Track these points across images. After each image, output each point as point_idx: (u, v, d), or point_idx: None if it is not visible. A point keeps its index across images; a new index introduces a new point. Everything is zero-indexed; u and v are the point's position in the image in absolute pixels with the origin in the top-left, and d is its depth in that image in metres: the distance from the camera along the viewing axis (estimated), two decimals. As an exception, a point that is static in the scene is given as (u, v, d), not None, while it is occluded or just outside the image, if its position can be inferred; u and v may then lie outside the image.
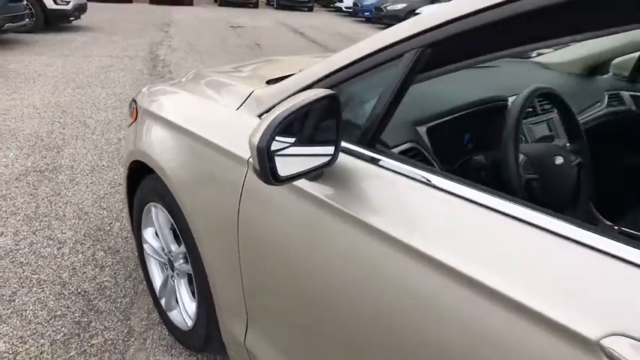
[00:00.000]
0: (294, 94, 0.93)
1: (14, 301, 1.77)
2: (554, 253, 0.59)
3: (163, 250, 1.59)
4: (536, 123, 1.33)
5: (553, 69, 1.88)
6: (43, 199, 2.53)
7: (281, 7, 17.39)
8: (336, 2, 18.22)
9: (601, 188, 1.54)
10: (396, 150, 0.98)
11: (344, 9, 17.56)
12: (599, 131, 1.65)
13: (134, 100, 1.66)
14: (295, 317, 0.99)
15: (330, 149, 0.78)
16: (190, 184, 1.23)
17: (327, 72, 0.93)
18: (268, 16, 14.88)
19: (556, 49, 1.94)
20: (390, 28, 0.84)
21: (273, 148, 0.68)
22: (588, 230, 0.58)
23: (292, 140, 0.72)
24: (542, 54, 1.98)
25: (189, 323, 1.50)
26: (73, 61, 6.06)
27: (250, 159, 0.75)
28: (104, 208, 2.49)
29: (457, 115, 1.15)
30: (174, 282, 1.58)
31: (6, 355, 1.52)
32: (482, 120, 1.19)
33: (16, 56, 6.03)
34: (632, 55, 1.84)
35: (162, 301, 1.65)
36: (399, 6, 13.52)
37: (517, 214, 0.63)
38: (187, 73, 1.71)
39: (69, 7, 8.16)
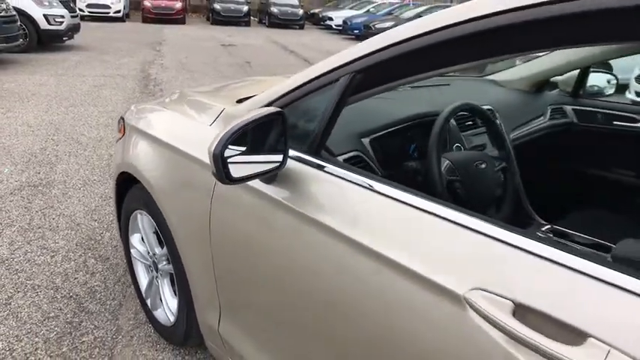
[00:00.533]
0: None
1: (10, 304, 1.90)
2: (453, 238, 0.75)
3: (148, 253, 1.74)
4: (476, 134, 1.52)
5: (505, 86, 2.08)
6: (37, 211, 2.67)
7: (272, 25, 17.76)
8: (326, 20, 18.64)
9: (541, 192, 1.73)
10: (342, 157, 1.15)
11: (334, 27, 17.96)
12: (541, 141, 1.84)
13: (122, 118, 1.83)
14: (259, 305, 1.15)
15: (280, 157, 0.95)
16: (170, 192, 1.39)
17: (283, 92, 1.11)
18: (260, 34, 15.20)
19: (508, 68, 2.14)
20: (331, 56, 1.02)
21: (226, 154, 0.85)
22: (473, 217, 0.74)
23: (244, 149, 0.89)
24: (495, 72, 2.18)
25: (172, 319, 1.65)
26: (66, 80, 6.24)
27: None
28: (95, 220, 2.64)
29: (398, 127, 1.33)
30: (158, 282, 1.73)
31: (3, 351, 1.66)
32: (425, 131, 1.38)
33: (10, 76, 6.20)
34: (575, 72, 2.05)
35: (148, 301, 1.80)
36: (387, 24, 13.90)
37: (436, 210, 0.77)
38: (172, 92, 1.88)
39: (62, 27, 8.36)
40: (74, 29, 8.99)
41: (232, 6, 17.39)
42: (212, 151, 0.84)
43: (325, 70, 1.01)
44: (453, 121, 1.46)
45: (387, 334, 0.79)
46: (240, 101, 1.34)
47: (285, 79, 1.14)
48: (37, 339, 1.73)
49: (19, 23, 7.28)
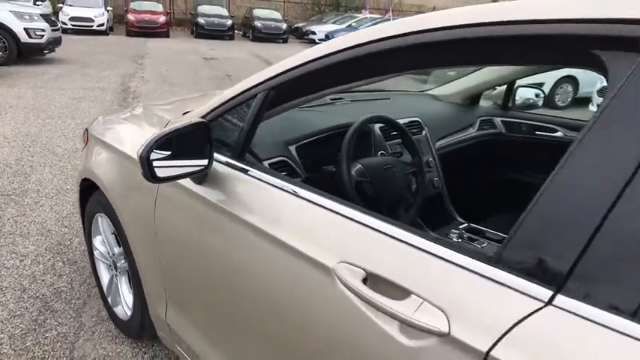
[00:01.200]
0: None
1: (-22, 304, 2.02)
2: (344, 229, 0.91)
3: (109, 253, 1.88)
4: (400, 143, 1.70)
5: (442, 100, 2.28)
6: (8, 219, 2.79)
7: (256, 39, 18.01)
8: (309, 34, 18.97)
9: (468, 195, 1.92)
10: (268, 162, 1.32)
11: (317, 41, 18.30)
12: (470, 150, 2.03)
13: (87, 129, 1.98)
14: (197, 297, 1.31)
15: (205, 161, 1.12)
16: (123, 195, 1.55)
17: (215, 105, 1.28)
18: (243, 47, 15.42)
19: (444, 83, 2.35)
20: (253, 75, 1.20)
21: (152, 157, 1.02)
22: (361, 212, 0.90)
23: (169, 153, 1.05)
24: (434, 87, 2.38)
25: (129, 313, 1.79)
26: (45, 93, 6.34)
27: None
28: (66, 226, 2.76)
29: (321, 136, 1.51)
30: (117, 280, 1.87)
31: (-31, 346, 1.78)
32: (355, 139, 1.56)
33: (-11, 89, 6.28)
34: (504, 86, 2.26)
35: (109, 299, 1.94)
36: (367, 38, 14.21)
37: (341, 211, 0.91)
38: (135, 106, 2.04)
39: (43, 40, 8.46)
40: (55, 42, 9.08)
41: (216, 20, 17.62)
42: (139, 154, 1.01)
43: (247, 87, 1.18)
44: (378, 131, 1.65)
45: (303, 318, 0.94)
46: (185, 113, 1.51)
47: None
48: (2, 335, 1.85)
49: (-1, 37, 7.37)
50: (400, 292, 0.76)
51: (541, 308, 0.63)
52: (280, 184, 1.06)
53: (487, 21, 0.78)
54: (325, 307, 0.87)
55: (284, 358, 1.01)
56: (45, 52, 8.88)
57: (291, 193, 1.03)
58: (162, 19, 16.71)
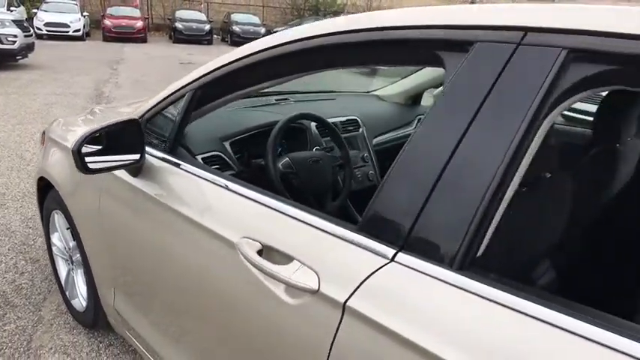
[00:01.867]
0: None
1: (-60, 301, 2.09)
2: (248, 210, 1.03)
3: (65, 248, 1.98)
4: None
5: (386, 100, 2.43)
6: (-27, 221, 2.85)
7: (235, 43, 18.05)
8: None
9: None
10: (202, 156, 1.45)
11: (295, 44, 18.43)
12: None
13: (44, 131, 2.08)
14: (138, 281, 1.42)
15: (137, 156, 1.24)
16: (73, 191, 1.65)
17: (151, 105, 1.40)
18: (221, 52, 15.33)
19: (390, 84, 2.50)
20: (183, 77, 1.33)
21: (83, 151, 1.14)
22: (264, 195, 1.02)
23: (100, 147, 1.17)
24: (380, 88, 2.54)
25: (84, 304, 1.89)
26: (16, 98, 6.34)
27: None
28: (30, 227, 2.83)
29: (254, 132, 1.64)
30: (73, 273, 1.97)
31: None
32: (292, 135, 1.69)
33: (-41, 95, 6.26)
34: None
35: (67, 292, 2.03)
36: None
37: (268, 202, 1.00)
38: (91, 109, 2.14)
39: (15, 46, 8.43)
40: (28, 48, 9.05)
41: (194, 25, 17.64)
42: (70, 148, 1.13)
43: (177, 87, 1.31)
44: (314, 129, 1.79)
45: (217, 289, 1.06)
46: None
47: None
48: (-39, 329, 1.93)
49: (-31, 43, 7.34)
50: (285, 259, 0.89)
51: (386, 264, 0.77)
52: (209, 177, 1.18)
53: (360, 28, 0.93)
54: (232, 276, 0.99)
55: (207, 327, 1.14)
56: (18, 58, 8.84)
57: (213, 183, 1.15)
58: (139, 24, 16.67)
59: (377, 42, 0.92)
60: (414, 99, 2.43)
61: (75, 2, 16.69)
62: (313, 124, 1.77)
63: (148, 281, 1.36)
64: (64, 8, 15.68)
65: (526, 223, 0.97)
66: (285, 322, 0.88)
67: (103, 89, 7.56)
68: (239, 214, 1.05)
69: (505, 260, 0.86)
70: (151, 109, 1.38)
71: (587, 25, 0.69)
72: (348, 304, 0.78)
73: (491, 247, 0.76)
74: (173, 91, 1.31)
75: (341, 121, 1.92)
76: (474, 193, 0.72)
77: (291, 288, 0.86)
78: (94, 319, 1.85)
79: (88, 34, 16.88)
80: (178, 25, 17.49)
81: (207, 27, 17.89)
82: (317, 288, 0.82)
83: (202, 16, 18.90)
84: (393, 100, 2.42)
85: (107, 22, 16.37)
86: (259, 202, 1.02)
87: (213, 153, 1.48)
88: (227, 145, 1.54)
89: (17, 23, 8.86)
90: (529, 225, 0.98)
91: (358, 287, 0.78)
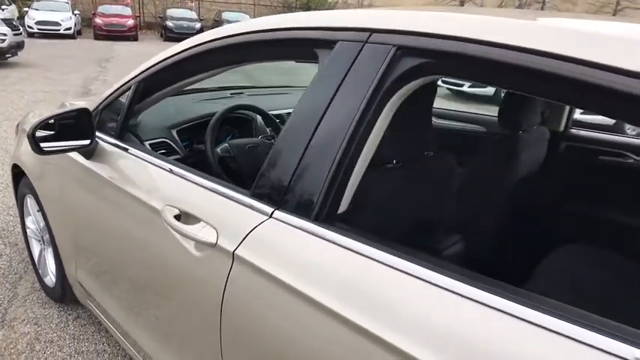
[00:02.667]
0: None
1: None
2: (173, 183, 1.21)
3: (37, 229, 2.16)
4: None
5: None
6: (-43, 209, 3.02)
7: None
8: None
9: None
10: (150, 142, 1.64)
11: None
12: None
13: (18, 123, 2.26)
14: (94, 253, 1.61)
15: (88, 141, 1.43)
16: (40, 175, 1.84)
17: (105, 96, 1.58)
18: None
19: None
20: (131, 72, 1.51)
21: (38, 135, 1.32)
22: (188, 171, 1.21)
23: (53, 132, 1.36)
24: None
25: (54, 280, 2.08)
26: (4, 95, 6.50)
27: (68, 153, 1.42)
28: (11, 215, 3.01)
29: (199, 122, 1.83)
30: (45, 252, 2.15)
31: None
32: (240, 124, 1.89)
33: (-52, 92, 6.41)
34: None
35: (40, 270, 2.22)
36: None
37: (206, 184, 1.17)
38: (62, 102, 2.32)
39: (4, 44, 8.57)
40: (17, 47, 9.19)
41: (185, 23, 17.76)
42: (25, 130, 1.32)
43: (125, 81, 1.50)
44: (260, 119, 1.98)
45: (149, 254, 1.25)
46: (91, 105, 1.81)
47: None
48: (-58, 303, 2.11)
49: (-42, 41, 7.48)
50: (195, 220, 1.08)
51: (266, 220, 0.97)
52: (153, 160, 1.36)
53: (259, 29, 1.12)
54: (159, 238, 1.19)
55: (144, 284, 1.33)
56: (7, 56, 8.98)
57: (156, 165, 1.33)
58: (130, 22, 16.79)
59: (273, 41, 1.11)
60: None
61: (66, 1, 16.79)
62: (260, 115, 1.96)
63: (101, 254, 1.55)
64: (55, 7, 15.78)
65: (399, 192, 1.17)
66: (194, 272, 1.08)
67: (91, 87, 7.72)
68: (165, 185, 1.24)
69: (369, 219, 1.06)
70: (104, 100, 1.57)
71: (411, 27, 0.89)
72: (236, 252, 0.97)
73: (355, 207, 0.96)
74: (121, 84, 1.50)
75: (287, 113, 2.11)
76: (329, 161, 0.91)
77: (198, 243, 1.06)
78: (62, 294, 2.04)
79: (79, 33, 16.99)
80: (169, 23, 17.61)
81: (198, 25, 18.00)
82: (215, 242, 1.01)
83: (193, 15, 19.03)
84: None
85: (98, 20, 16.48)
86: (182, 177, 1.21)
87: (161, 140, 1.67)
88: (174, 132, 1.74)
89: (6, 22, 9.00)
90: (402, 194, 1.18)
91: (244, 239, 0.97)
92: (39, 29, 15.05)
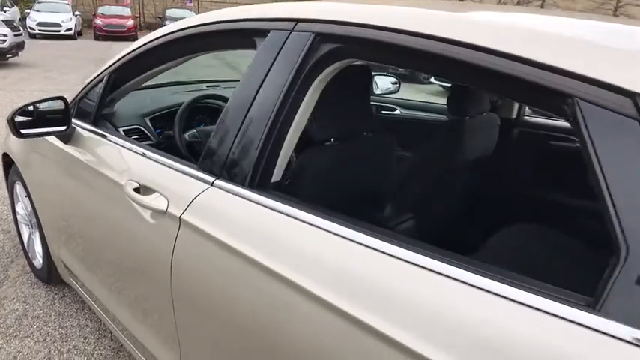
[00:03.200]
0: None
1: None
2: (136, 161, 1.36)
3: (26, 214, 2.31)
4: None
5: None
6: (-45, 200, 3.18)
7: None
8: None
9: None
10: (125, 128, 1.78)
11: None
12: None
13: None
14: (74, 232, 1.75)
15: (64, 127, 1.57)
16: (26, 162, 1.98)
17: (83, 86, 1.73)
18: (210, 49, 15.82)
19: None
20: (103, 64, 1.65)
21: (17, 120, 1.47)
22: (150, 151, 1.36)
23: (32, 118, 1.50)
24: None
25: (41, 261, 2.22)
26: (4, 94, 6.67)
27: (49, 138, 1.56)
28: (5, 205, 3.16)
29: (170, 110, 1.98)
30: (33, 236, 2.30)
31: None
32: (212, 113, 2.03)
33: (-51, 92, 6.59)
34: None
35: (30, 253, 2.36)
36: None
37: (162, 160, 1.33)
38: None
39: (5, 45, 8.76)
40: (18, 47, 9.37)
41: (184, 23, 17.91)
42: (7, 117, 1.46)
43: (98, 72, 1.64)
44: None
45: (116, 224, 1.40)
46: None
47: None
48: (-62, 284, 2.26)
49: (-40, 42, 7.66)
50: (151, 192, 1.22)
51: (207, 188, 1.11)
52: (124, 144, 1.51)
53: (210, 21, 1.26)
54: (123, 211, 1.33)
55: (113, 257, 1.47)
56: (8, 56, 9.16)
57: (149, 157, 1.46)
58: (130, 22, 16.98)
59: (222, 31, 1.25)
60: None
61: (67, 2, 17.00)
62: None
63: (78, 232, 1.69)
64: (56, 8, 15.99)
65: (335, 168, 1.31)
66: (149, 238, 1.22)
67: (89, 86, 7.87)
68: (129, 164, 1.38)
69: (307, 189, 1.19)
70: (81, 91, 1.72)
71: (328, 16, 1.02)
72: (182, 217, 1.11)
73: (294, 177, 1.10)
74: (95, 76, 1.65)
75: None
76: (260, 136, 1.05)
77: (153, 211, 1.19)
78: (49, 274, 2.19)
79: (79, 34, 17.20)
80: (169, 23, 17.74)
81: (198, 25, 18.14)
82: (165, 209, 1.15)
83: (193, 15, 19.16)
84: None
85: (98, 21, 16.68)
86: (144, 155, 1.35)
87: (135, 126, 1.81)
88: (147, 120, 1.88)
89: (7, 23, 9.18)
90: (339, 169, 1.31)
91: (188, 205, 1.11)
92: (40, 30, 15.26)
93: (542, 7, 27.81)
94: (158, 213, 1.17)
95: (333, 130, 1.30)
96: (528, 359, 0.60)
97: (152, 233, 1.20)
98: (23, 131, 1.50)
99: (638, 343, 0.54)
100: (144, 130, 1.82)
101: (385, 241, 0.80)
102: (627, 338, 0.55)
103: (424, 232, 1.57)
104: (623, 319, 0.56)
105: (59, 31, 15.56)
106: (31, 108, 1.51)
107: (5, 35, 8.87)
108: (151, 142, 1.81)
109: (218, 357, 1.10)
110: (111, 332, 1.97)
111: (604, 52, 0.69)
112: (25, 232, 2.40)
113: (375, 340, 0.74)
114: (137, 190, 1.26)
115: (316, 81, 1.05)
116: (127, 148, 1.42)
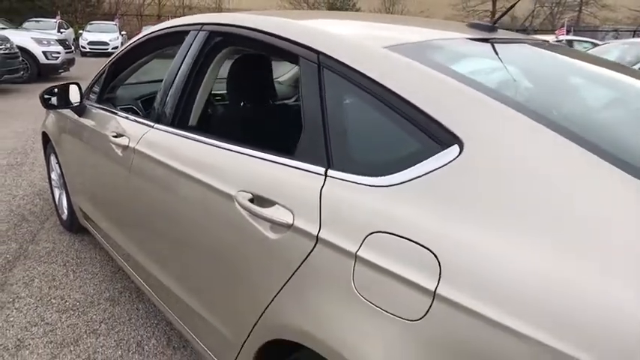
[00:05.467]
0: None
1: (-18, 217, 3.22)
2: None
3: (57, 178, 3.06)
4: None
5: (282, 83, 3.39)
6: (10, 177, 4.01)
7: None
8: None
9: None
10: (120, 107, 2.46)
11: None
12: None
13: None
14: (87, 182, 2.44)
15: (78, 102, 2.27)
16: (56, 135, 2.72)
17: (94, 76, 2.44)
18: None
19: (286, 73, 3.46)
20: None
21: (45, 96, 2.18)
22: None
23: (55, 97, 2.21)
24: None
25: (66, 214, 2.95)
26: (54, 102, 7.70)
27: (70, 115, 2.29)
28: (46, 182, 3.96)
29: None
30: (61, 195, 3.04)
31: (-26, 233, 2.96)
32: None
33: (9, 100, 7.70)
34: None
35: (58, 209, 3.10)
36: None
37: (138, 120, 2.01)
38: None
39: (58, 61, 9.96)
40: (69, 63, 10.60)
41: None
42: (49, 111, 2.19)
43: (103, 66, 2.34)
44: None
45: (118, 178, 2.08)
46: (89, 87, 2.68)
47: None
48: (-6, 229, 3.04)
49: (20, 59, 8.85)
50: (126, 140, 1.88)
51: (149, 130, 1.75)
52: (121, 115, 2.18)
53: (170, 25, 1.92)
54: (119, 159, 1.99)
55: (114, 200, 2.14)
56: (60, 71, 10.38)
57: (124, 117, 2.14)
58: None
59: (172, 33, 1.91)
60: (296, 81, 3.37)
61: (115, 23, 18.60)
62: None
63: (90, 182, 2.38)
64: (105, 29, 17.61)
65: (245, 124, 1.92)
66: (124, 172, 1.87)
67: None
68: (121, 126, 2.04)
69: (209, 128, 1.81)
70: (93, 79, 2.43)
71: (215, 21, 1.65)
72: (136, 148, 1.76)
73: (202, 121, 1.73)
74: (101, 69, 2.35)
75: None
76: (179, 96, 1.68)
77: (122, 148, 1.85)
78: (71, 223, 2.90)
79: (126, 51, 18.70)
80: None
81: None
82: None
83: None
84: (287, 83, 3.38)
85: (142, 39, 18.11)
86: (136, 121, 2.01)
87: (130, 106, 2.50)
88: (139, 102, 2.56)
89: (60, 42, 10.42)
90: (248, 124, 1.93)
91: (138, 142, 1.76)
92: (90, 49, 16.85)
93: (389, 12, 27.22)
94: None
95: (243, 97, 1.93)
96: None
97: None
98: (50, 103, 2.21)
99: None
100: (135, 108, 2.51)
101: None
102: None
103: None
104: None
105: (107, 49, 17.08)
106: (55, 90, 2.22)
107: (58, 52, 10.09)
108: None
109: (202, 277, 1.53)
110: (113, 259, 2.65)
111: (323, 33, 1.29)
112: (57, 194, 3.15)
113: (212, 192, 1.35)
114: (117, 136, 1.92)
115: (213, 63, 1.68)
116: (121, 117, 2.09)
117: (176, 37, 1.90)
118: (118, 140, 1.86)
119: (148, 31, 2.05)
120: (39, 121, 6.69)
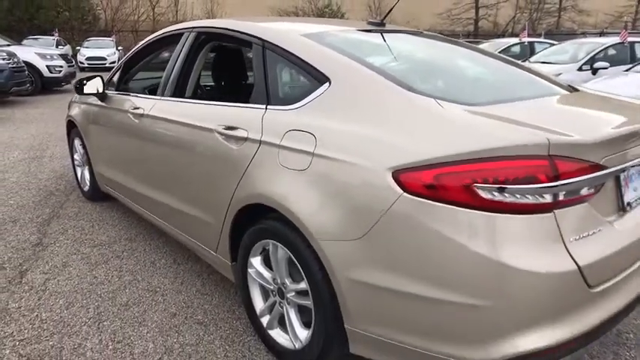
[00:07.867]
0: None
1: (12, 198, 3.94)
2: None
3: (79, 157, 3.79)
4: None
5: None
6: (34, 167, 4.74)
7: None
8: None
9: None
10: (133, 92, 3.20)
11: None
12: None
13: (69, 103, 3.93)
14: (109, 156, 3.17)
15: (101, 90, 3.02)
16: (82, 120, 3.46)
17: (112, 71, 3.20)
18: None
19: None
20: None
21: (77, 86, 2.93)
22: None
23: (84, 86, 2.96)
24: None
25: (88, 186, 3.68)
26: (60, 110, 8.43)
27: (95, 102, 3.07)
28: (65, 167, 4.70)
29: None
30: (83, 171, 3.77)
31: (14, 206, 3.68)
32: None
33: (20, 110, 8.44)
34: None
35: (81, 184, 3.83)
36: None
37: (149, 97, 2.78)
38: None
39: (61, 75, 10.71)
40: (71, 76, 11.33)
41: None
42: (73, 103, 2.95)
43: (119, 63, 3.10)
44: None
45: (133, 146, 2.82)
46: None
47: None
48: (29, 201, 3.76)
49: (26, 72, 9.59)
50: (139, 109, 2.63)
51: (156, 103, 2.51)
52: (132, 97, 2.93)
53: (166, 31, 2.70)
54: (131, 129, 2.75)
55: (129, 159, 2.89)
56: (63, 84, 11.12)
57: (138, 97, 2.89)
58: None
59: (172, 35, 2.67)
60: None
61: (111, 39, 19.42)
62: None
63: (109, 151, 3.12)
64: (103, 44, 18.42)
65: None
66: (139, 139, 2.62)
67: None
68: (135, 103, 2.79)
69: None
70: (110, 74, 3.19)
71: (203, 25, 2.42)
72: (146, 114, 2.50)
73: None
74: (117, 65, 3.11)
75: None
76: (179, 75, 2.44)
77: (135, 115, 2.60)
78: (93, 193, 3.64)
79: (122, 66, 19.49)
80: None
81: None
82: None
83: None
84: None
85: (138, 54, 18.92)
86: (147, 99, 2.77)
87: (140, 91, 3.25)
88: (147, 91, 3.31)
89: (63, 56, 11.19)
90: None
91: (150, 110, 2.51)
92: (88, 64, 17.62)
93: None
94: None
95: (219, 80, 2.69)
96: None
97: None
98: (83, 92, 2.96)
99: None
100: (146, 92, 3.26)
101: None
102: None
103: None
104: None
105: (104, 64, 17.87)
106: (85, 81, 2.97)
107: (61, 67, 10.84)
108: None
109: (193, 188, 2.39)
110: (129, 215, 3.38)
111: (266, 28, 2.05)
112: (79, 170, 3.88)
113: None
114: (135, 109, 2.67)
115: (200, 55, 2.44)
116: (136, 97, 2.83)
117: (174, 38, 2.65)
118: (136, 111, 2.61)
119: (152, 35, 2.82)
120: (49, 126, 7.59)
